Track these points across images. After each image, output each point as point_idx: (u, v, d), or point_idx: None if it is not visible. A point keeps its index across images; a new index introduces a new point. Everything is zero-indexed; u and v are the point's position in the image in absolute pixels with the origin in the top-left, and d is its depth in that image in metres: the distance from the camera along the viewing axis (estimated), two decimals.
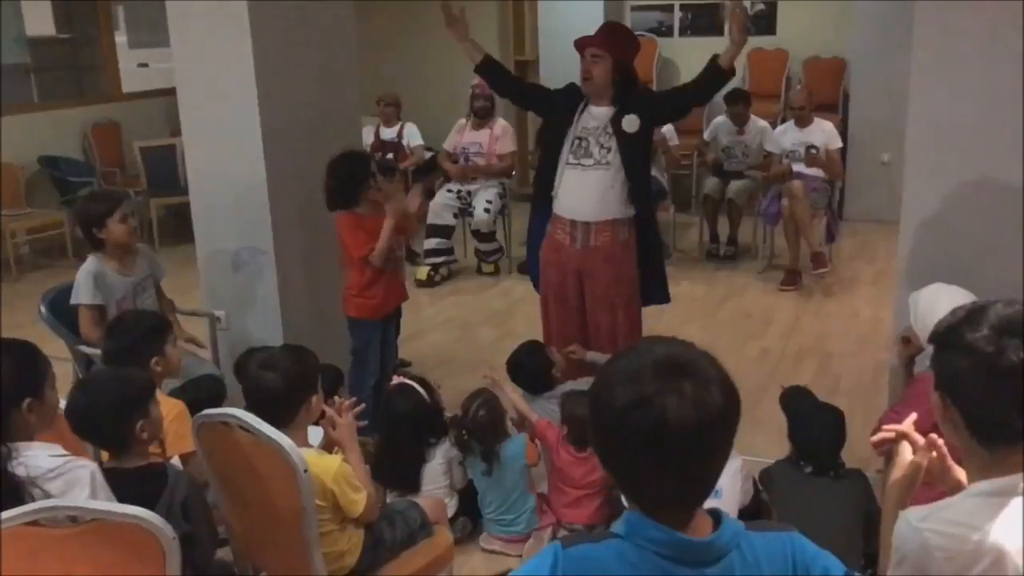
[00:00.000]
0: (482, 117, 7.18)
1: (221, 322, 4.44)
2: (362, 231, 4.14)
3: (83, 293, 3.94)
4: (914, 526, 1.59)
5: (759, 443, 4.03)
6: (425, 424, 3.72)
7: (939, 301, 3.07)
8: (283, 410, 2.70)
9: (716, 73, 3.99)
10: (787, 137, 6.96)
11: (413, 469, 3.67)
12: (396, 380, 3.86)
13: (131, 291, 4.03)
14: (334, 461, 2.72)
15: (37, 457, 2.32)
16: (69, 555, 2.17)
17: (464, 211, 7.13)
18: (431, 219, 7.08)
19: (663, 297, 4.39)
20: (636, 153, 4.06)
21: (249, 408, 2.73)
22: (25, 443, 2.35)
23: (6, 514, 2.11)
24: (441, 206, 7.09)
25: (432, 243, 7.13)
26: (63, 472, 2.32)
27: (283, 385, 2.69)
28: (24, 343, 2.55)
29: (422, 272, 7.07)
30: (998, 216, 3.45)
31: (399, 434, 3.67)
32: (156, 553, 2.16)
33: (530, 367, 4.09)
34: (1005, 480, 1.57)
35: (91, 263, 3.99)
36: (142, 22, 9.73)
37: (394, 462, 3.63)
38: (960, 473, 1.76)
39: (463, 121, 7.36)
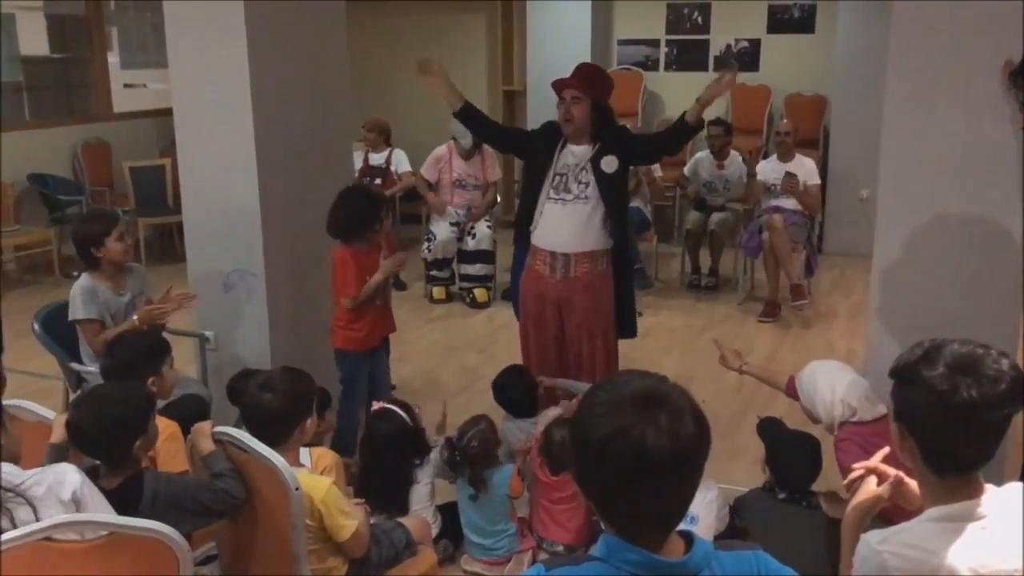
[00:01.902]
0: (478, 147, 7.19)
1: (210, 342, 4.50)
2: (352, 268, 4.20)
3: (79, 308, 3.99)
4: (874, 548, 1.69)
5: (735, 472, 4.11)
6: (409, 447, 3.79)
7: (816, 377, 3.53)
8: (279, 430, 2.78)
9: (683, 128, 4.20)
10: (769, 171, 7.09)
11: (400, 491, 3.72)
12: (376, 405, 3.94)
13: (124, 309, 4.09)
14: (324, 482, 2.78)
15: (10, 472, 2.35)
16: (84, 569, 2.22)
17: (461, 238, 7.24)
18: (440, 254, 7.21)
19: (631, 331, 4.50)
20: (613, 190, 4.22)
21: (246, 427, 2.80)
22: None
23: (23, 530, 2.17)
24: (445, 242, 7.19)
25: (441, 273, 7.33)
26: (42, 478, 2.34)
27: (281, 406, 2.78)
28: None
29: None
30: (968, 253, 3.56)
31: (383, 457, 3.73)
32: (171, 565, 2.23)
33: (513, 391, 4.17)
34: (956, 507, 1.67)
35: (84, 280, 4.04)
36: (135, 43, 9.80)
37: (380, 485, 3.69)
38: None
39: (443, 151, 7.31)
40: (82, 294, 4.00)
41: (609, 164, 4.17)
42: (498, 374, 4.30)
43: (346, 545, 2.83)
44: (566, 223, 4.20)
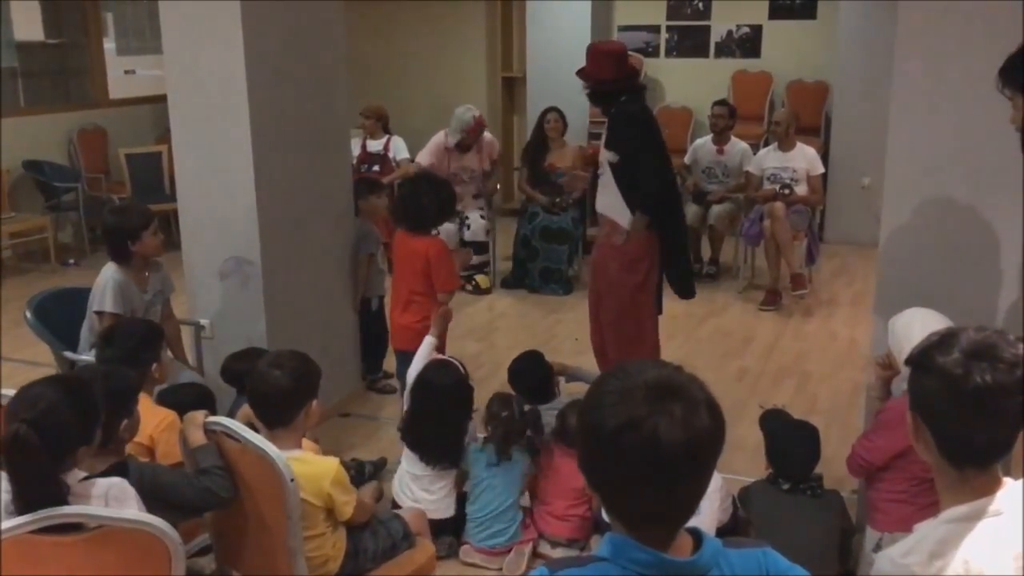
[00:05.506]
0: (471, 141, 7.11)
1: (206, 331, 4.46)
2: (451, 258, 4.20)
3: (108, 300, 3.90)
4: (899, 563, 1.61)
5: (738, 462, 4.08)
6: (464, 401, 3.78)
7: (913, 325, 3.14)
8: (285, 410, 2.76)
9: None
10: (769, 160, 7.01)
11: (453, 443, 3.70)
12: (437, 357, 3.94)
13: (144, 307, 4.03)
14: (332, 463, 2.77)
15: (83, 486, 2.30)
16: (75, 562, 2.18)
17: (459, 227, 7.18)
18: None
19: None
20: (620, 176, 4.37)
21: (252, 406, 2.78)
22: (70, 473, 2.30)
23: (15, 520, 2.13)
24: (446, 232, 7.12)
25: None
26: (109, 494, 2.31)
27: (289, 384, 2.75)
28: (82, 383, 2.47)
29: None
30: (974, 241, 3.52)
31: (441, 407, 3.70)
32: (162, 557, 2.20)
33: (529, 376, 4.12)
34: (978, 503, 1.60)
35: (114, 272, 3.96)
36: (131, 29, 9.71)
37: (430, 436, 3.67)
38: None
39: (441, 138, 7.16)
40: (114, 287, 3.91)
41: (611, 157, 4.35)
42: (514, 359, 4.25)
43: (352, 520, 2.83)
44: (600, 189, 4.60)
